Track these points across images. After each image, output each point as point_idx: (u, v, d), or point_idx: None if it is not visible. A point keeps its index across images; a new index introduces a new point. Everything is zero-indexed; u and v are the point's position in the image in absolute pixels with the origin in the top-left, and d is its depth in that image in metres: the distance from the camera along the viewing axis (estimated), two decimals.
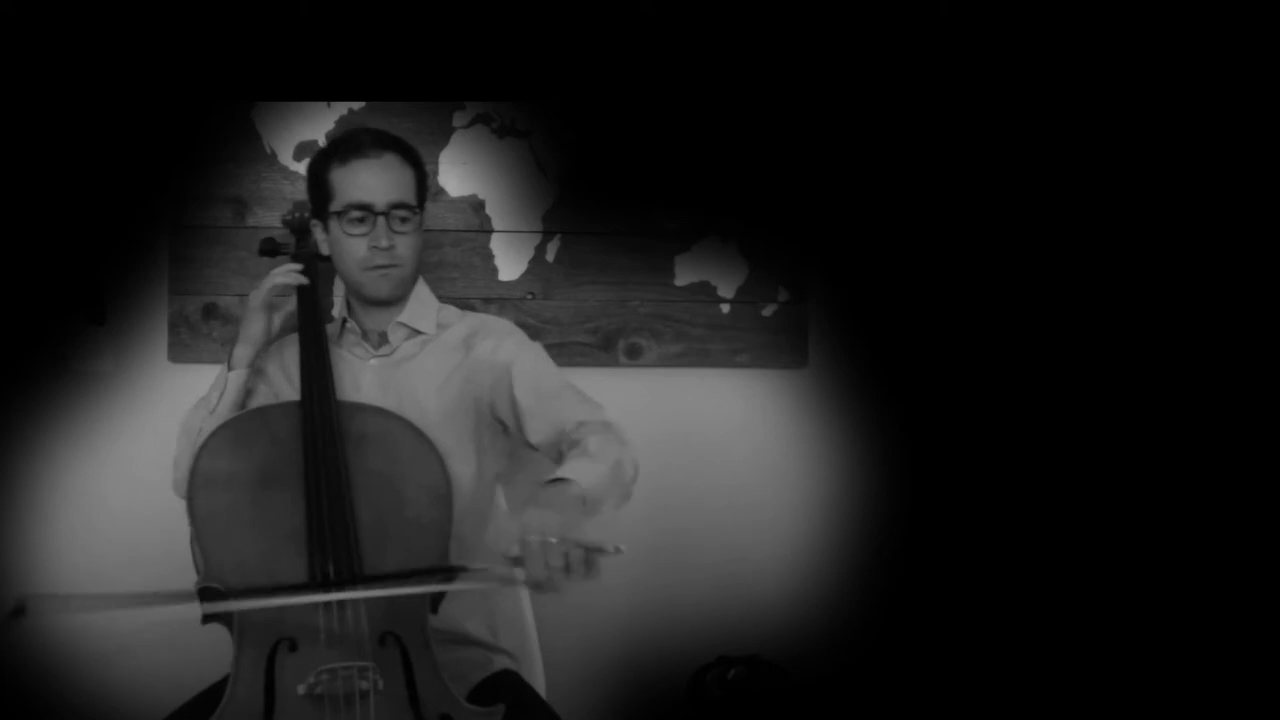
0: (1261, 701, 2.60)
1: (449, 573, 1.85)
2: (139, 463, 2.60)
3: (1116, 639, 2.68)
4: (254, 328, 2.11)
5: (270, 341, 2.16)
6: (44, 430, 2.59)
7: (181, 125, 2.61)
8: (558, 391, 2.08)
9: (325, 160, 2.13)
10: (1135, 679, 2.67)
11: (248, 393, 2.14)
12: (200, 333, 2.63)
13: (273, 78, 2.60)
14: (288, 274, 2.12)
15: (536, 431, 2.06)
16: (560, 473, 1.85)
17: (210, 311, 2.63)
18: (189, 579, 2.06)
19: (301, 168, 2.63)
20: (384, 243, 2.08)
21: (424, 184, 2.17)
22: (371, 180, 2.08)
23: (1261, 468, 2.66)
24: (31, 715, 2.54)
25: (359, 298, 2.17)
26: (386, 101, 2.63)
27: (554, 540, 1.67)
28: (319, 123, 2.64)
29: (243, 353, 2.11)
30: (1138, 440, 2.71)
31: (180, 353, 2.63)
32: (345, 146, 2.12)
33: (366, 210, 2.08)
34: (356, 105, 2.65)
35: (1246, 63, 2.66)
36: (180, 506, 2.08)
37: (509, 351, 2.14)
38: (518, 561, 1.69)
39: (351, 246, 2.10)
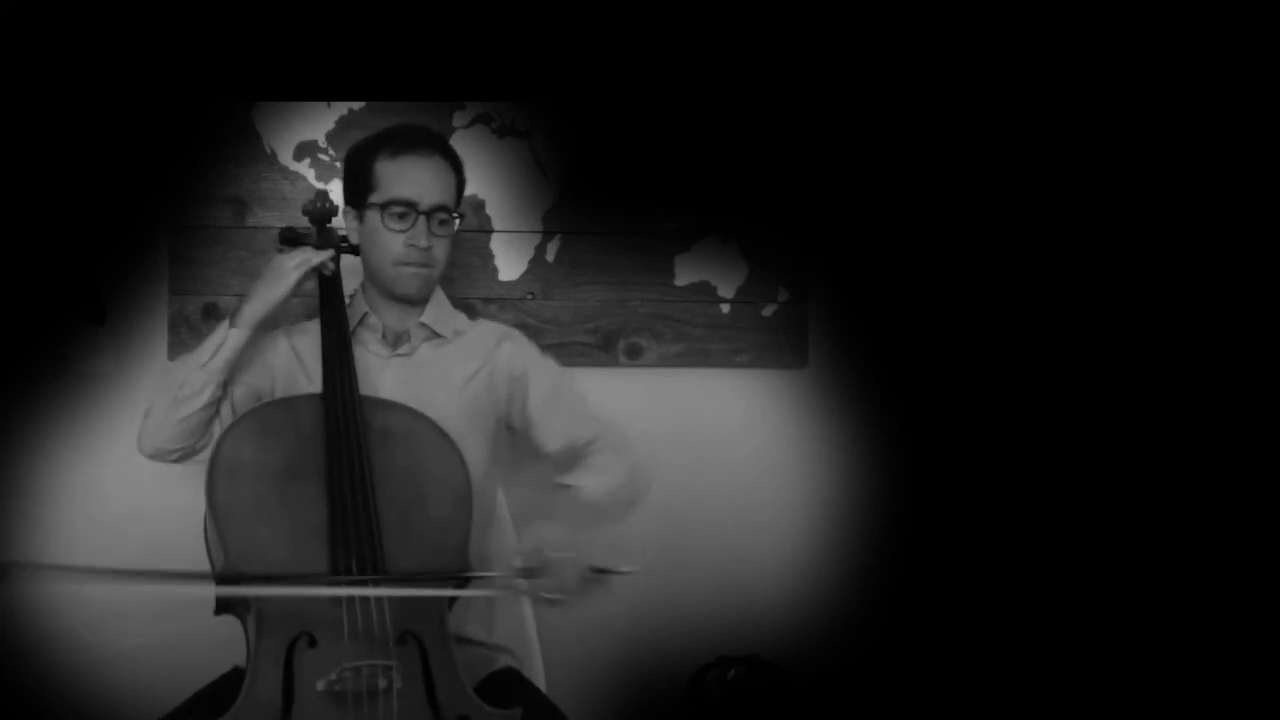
0: (1261, 701, 2.60)
1: (463, 579, 1.87)
2: (139, 463, 2.59)
3: (1116, 638, 2.69)
4: (275, 291, 2.03)
5: (279, 308, 2.09)
6: (44, 430, 2.59)
7: (181, 125, 2.61)
8: (572, 407, 2.16)
9: (372, 150, 2.12)
10: (1135, 679, 2.67)
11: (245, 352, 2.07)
12: (200, 333, 2.62)
13: (273, 78, 2.60)
14: (322, 262, 2.07)
15: (548, 442, 2.16)
16: (567, 479, 1.95)
17: (210, 311, 2.63)
18: None
19: (302, 168, 2.64)
20: (423, 242, 2.09)
21: (463, 191, 2.19)
22: (420, 178, 2.09)
23: (1261, 468, 2.67)
24: (31, 715, 2.54)
25: (385, 293, 2.17)
26: (386, 101, 2.63)
27: (571, 556, 1.76)
28: (319, 123, 2.64)
29: (252, 312, 2.03)
30: (1137, 439, 2.71)
31: (180, 352, 2.62)
32: (396, 141, 2.12)
33: (410, 207, 2.08)
34: (356, 105, 2.64)
35: (1246, 63, 2.66)
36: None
37: (524, 364, 2.20)
38: (526, 573, 1.76)
39: (388, 241, 2.10)
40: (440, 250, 2.13)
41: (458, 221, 2.16)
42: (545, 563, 1.76)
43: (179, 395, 1.99)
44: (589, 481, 1.97)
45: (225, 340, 2.01)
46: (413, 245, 2.09)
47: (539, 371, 2.20)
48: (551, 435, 2.15)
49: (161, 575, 1.75)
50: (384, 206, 2.09)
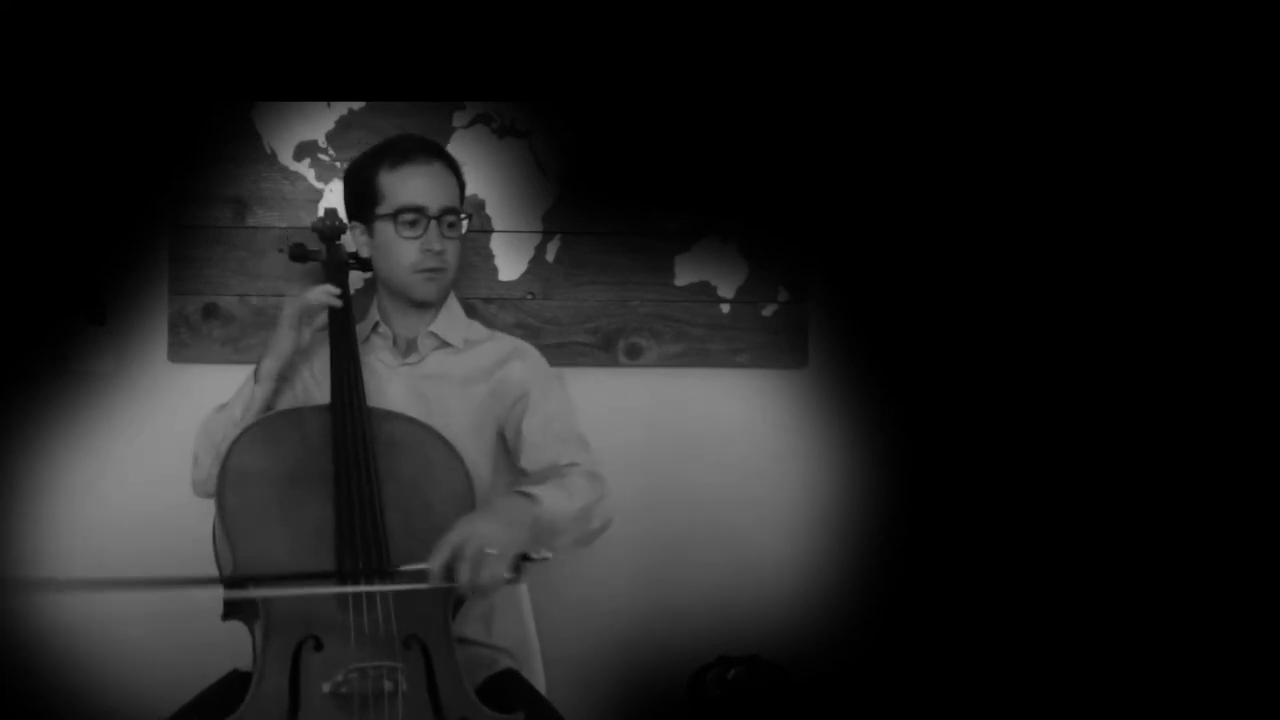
0: (1261, 701, 2.60)
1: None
2: (139, 463, 2.60)
3: (1116, 638, 2.69)
4: (284, 343, 2.09)
5: (297, 354, 2.15)
6: (44, 430, 2.59)
7: (181, 125, 2.61)
8: (565, 435, 2.13)
9: (372, 164, 2.15)
10: (1135, 679, 2.67)
11: (273, 403, 2.13)
12: (200, 333, 2.63)
13: (273, 78, 2.60)
14: (324, 294, 2.10)
15: (531, 460, 2.12)
16: (529, 489, 1.91)
17: (210, 311, 2.63)
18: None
19: (302, 168, 2.64)
20: (436, 246, 2.11)
21: (464, 193, 2.21)
22: (424, 184, 2.12)
23: (1261, 467, 2.67)
24: (32, 715, 2.55)
25: (402, 300, 2.18)
26: (386, 101, 2.63)
27: (492, 552, 1.75)
28: (319, 123, 2.64)
29: (270, 366, 2.10)
30: (1137, 439, 2.71)
31: (180, 353, 2.63)
32: (394, 152, 2.15)
33: (420, 213, 2.11)
34: (356, 105, 2.64)
35: (1246, 63, 2.66)
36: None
37: (533, 380, 2.19)
38: (448, 565, 1.75)
39: (403, 249, 2.12)
40: (452, 253, 2.16)
41: (466, 223, 2.18)
42: (462, 556, 1.74)
43: (219, 449, 2.03)
44: (550, 498, 1.90)
45: (253, 395, 2.09)
46: (428, 250, 2.11)
47: (542, 394, 2.17)
48: (537, 453, 2.12)
49: (169, 582, 1.75)
50: (395, 215, 2.12)
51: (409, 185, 2.11)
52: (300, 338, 2.11)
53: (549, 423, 2.14)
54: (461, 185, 2.19)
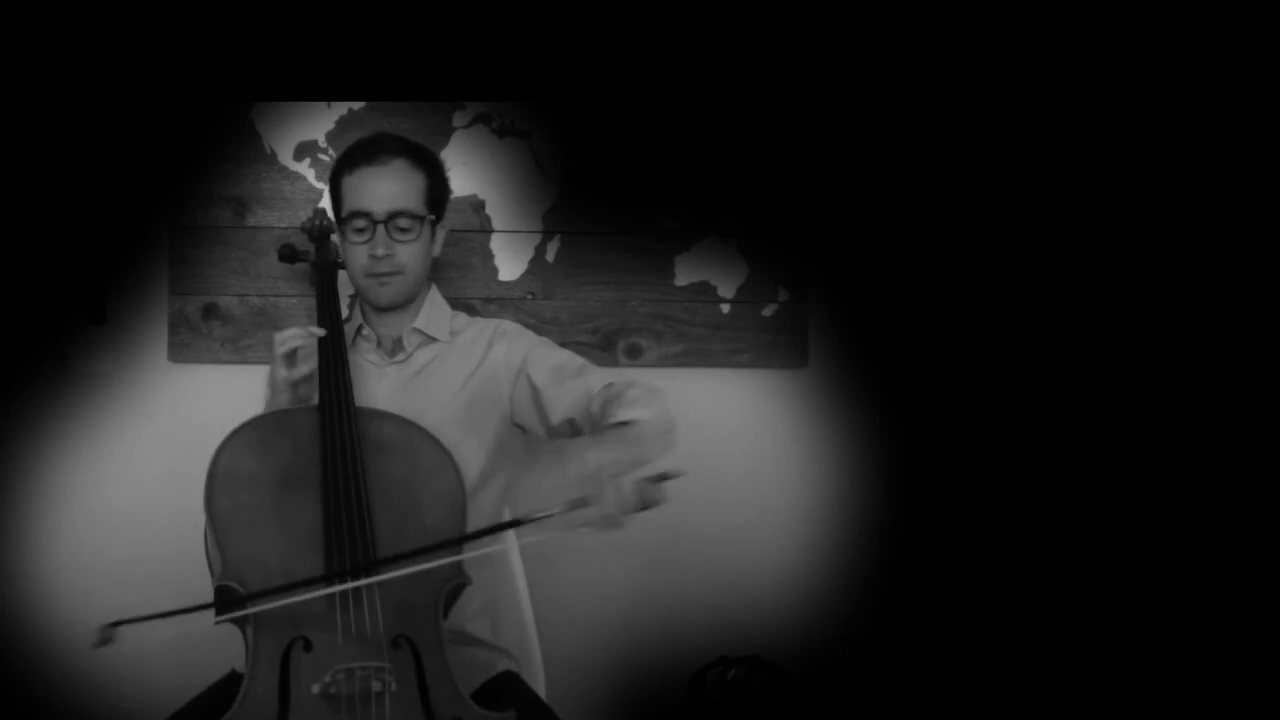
0: (1261, 701, 2.60)
1: (508, 525, 1.78)
2: (139, 462, 2.60)
3: (1116, 639, 2.69)
4: (280, 401, 2.05)
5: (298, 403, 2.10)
6: (44, 430, 2.59)
7: (181, 125, 2.61)
8: (579, 370, 2.09)
9: (340, 167, 2.14)
10: (1135, 679, 2.67)
11: None
12: (200, 333, 2.63)
13: (273, 78, 2.60)
14: (292, 338, 2.03)
15: (560, 410, 2.05)
16: (619, 417, 1.84)
17: (210, 311, 2.63)
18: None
19: (302, 168, 2.64)
20: (380, 251, 2.08)
21: (439, 191, 2.16)
22: (374, 188, 2.08)
23: (1261, 468, 2.67)
24: (32, 715, 2.55)
25: (366, 303, 2.18)
26: (386, 101, 2.63)
27: (622, 478, 1.66)
28: (319, 123, 2.64)
29: None
30: (1137, 440, 2.71)
31: (180, 353, 2.63)
32: (358, 153, 2.12)
33: (366, 218, 2.08)
34: (356, 105, 2.64)
35: (1246, 63, 2.66)
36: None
37: (522, 349, 2.16)
38: (577, 504, 1.66)
39: (354, 254, 2.11)
40: (408, 255, 2.11)
41: (428, 223, 2.14)
42: (602, 486, 1.65)
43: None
44: (635, 413, 1.84)
45: None
46: (373, 255, 2.09)
47: (536, 352, 2.15)
48: (562, 399, 2.06)
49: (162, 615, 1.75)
50: (346, 220, 2.11)
51: (361, 189, 2.09)
52: (296, 395, 2.06)
53: (561, 369, 2.09)
54: (432, 183, 2.14)
